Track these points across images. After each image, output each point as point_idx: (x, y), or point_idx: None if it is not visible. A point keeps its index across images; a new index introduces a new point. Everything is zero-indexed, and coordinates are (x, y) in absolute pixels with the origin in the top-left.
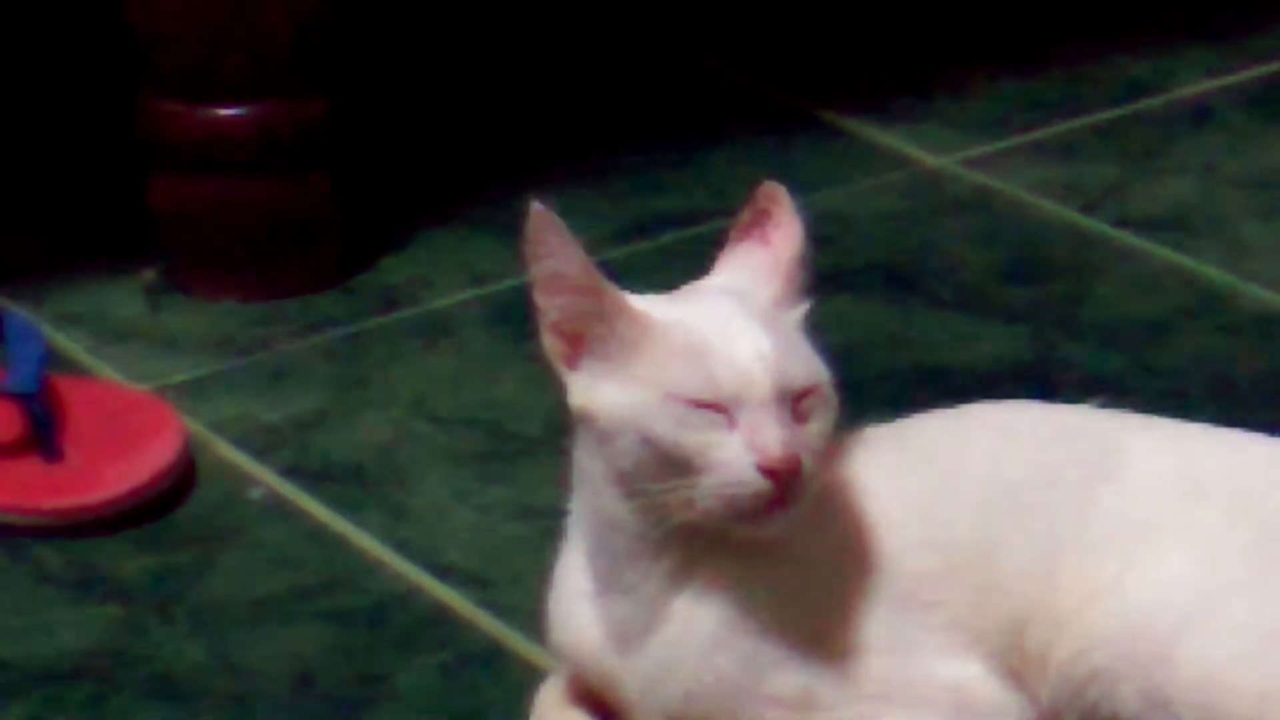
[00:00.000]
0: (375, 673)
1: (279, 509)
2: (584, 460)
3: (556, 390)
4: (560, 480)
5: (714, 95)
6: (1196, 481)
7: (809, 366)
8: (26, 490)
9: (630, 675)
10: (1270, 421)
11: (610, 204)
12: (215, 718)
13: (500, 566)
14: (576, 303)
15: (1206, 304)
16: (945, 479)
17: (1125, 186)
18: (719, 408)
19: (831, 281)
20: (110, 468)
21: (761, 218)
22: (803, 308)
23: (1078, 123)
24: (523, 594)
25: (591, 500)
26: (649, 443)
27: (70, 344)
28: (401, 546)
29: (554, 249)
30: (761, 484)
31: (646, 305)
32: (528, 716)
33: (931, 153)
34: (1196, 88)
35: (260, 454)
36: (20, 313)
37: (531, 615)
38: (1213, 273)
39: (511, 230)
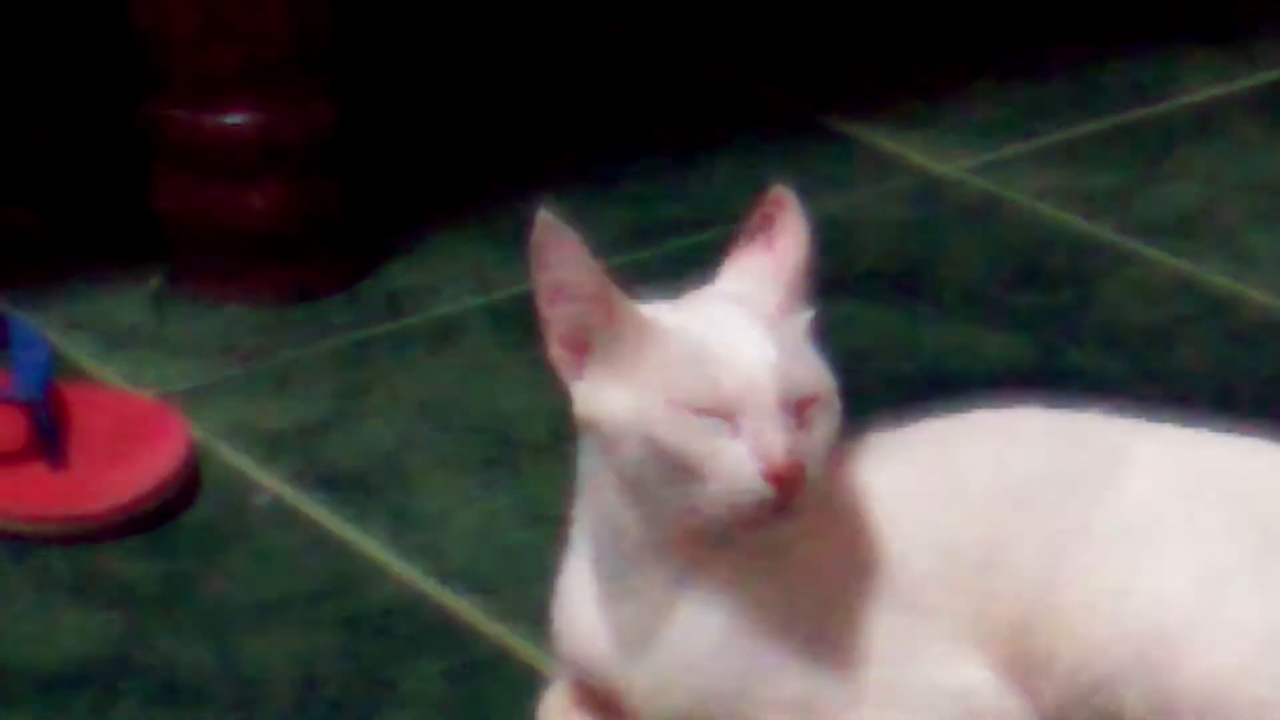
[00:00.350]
0: (380, 678)
1: (284, 515)
2: (589, 467)
3: (562, 397)
4: (566, 486)
5: (719, 101)
6: (1200, 487)
7: (814, 373)
8: (31, 497)
9: (635, 680)
10: (1274, 427)
11: (614, 210)
12: None
13: (506, 572)
14: (586, 311)
15: (1211, 310)
16: (949, 484)
17: (1130, 193)
18: (723, 414)
19: (836, 287)
20: (115, 474)
21: (767, 222)
22: (808, 314)
23: (1082, 129)
24: (528, 600)
25: (596, 506)
26: (653, 449)
27: (75, 350)
28: (407, 552)
29: (563, 258)
30: (765, 490)
31: (652, 312)
32: None
33: (936, 159)
34: (1201, 94)
35: (265, 460)
36: (25, 319)
37: (537, 621)
38: (1217, 279)
39: (517, 237)
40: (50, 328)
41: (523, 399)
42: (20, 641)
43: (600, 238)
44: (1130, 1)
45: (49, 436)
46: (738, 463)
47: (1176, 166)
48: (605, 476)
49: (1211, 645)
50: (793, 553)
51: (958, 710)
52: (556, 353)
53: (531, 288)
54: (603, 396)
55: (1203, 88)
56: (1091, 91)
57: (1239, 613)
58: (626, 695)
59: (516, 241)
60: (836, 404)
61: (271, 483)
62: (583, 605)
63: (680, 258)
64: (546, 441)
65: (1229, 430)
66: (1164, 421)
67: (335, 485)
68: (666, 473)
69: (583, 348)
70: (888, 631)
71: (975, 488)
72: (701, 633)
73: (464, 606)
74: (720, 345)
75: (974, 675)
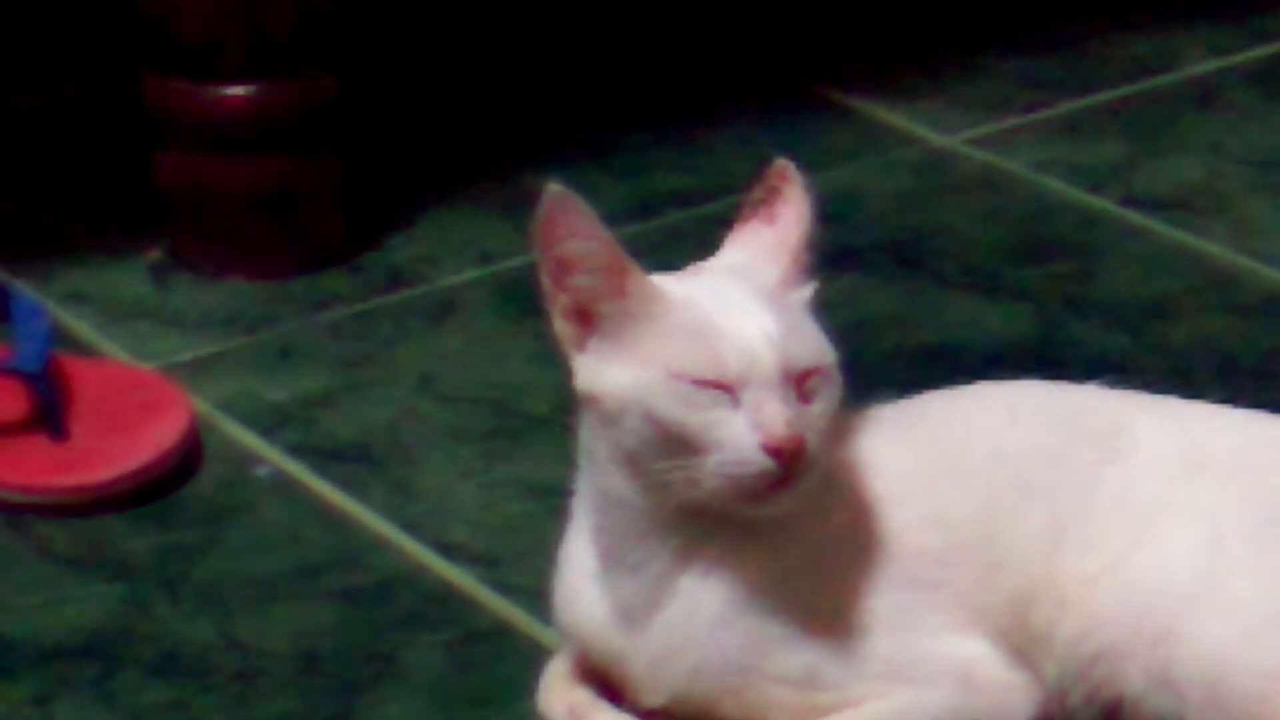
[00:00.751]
0: (381, 651)
1: (285, 487)
2: (590, 440)
3: (562, 369)
4: (566, 459)
5: (720, 74)
6: (1202, 460)
7: (814, 346)
8: (33, 469)
9: (636, 654)
10: (1276, 401)
11: (615, 183)
12: (221, 695)
13: (506, 544)
14: (597, 283)
15: (1212, 283)
16: (950, 458)
17: (1131, 166)
18: (724, 387)
19: (838, 261)
20: (116, 446)
21: (771, 196)
22: (809, 287)
23: (1084, 102)
24: (529, 572)
25: (597, 480)
26: (654, 422)
27: (76, 322)
28: (408, 525)
29: (575, 229)
30: (766, 463)
31: (662, 283)
32: (534, 694)
33: (938, 132)
34: (1203, 67)
35: (267, 432)
36: (26, 291)
37: (538, 593)
38: (1218, 252)
39: (517, 208)
40: (51, 300)
41: (523, 371)
42: (21, 613)
43: (601, 210)
44: None
45: (50, 408)
46: (738, 435)
47: (1178, 139)
48: (606, 450)
49: (1212, 617)
50: (793, 527)
51: (959, 682)
52: (560, 326)
53: (534, 260)
54: (604, 370)
55: (1204, 60)
56: (1093, 64)
57: (1239, 585)
58: (627, 668)
59: (517, 214)
60: (837, 377)
61: (272, 455)
62: (583, 579)
63: (682, 230)
64: (547, 414)
65: (1230, 403)
66: (1165, 394)
67: (336, 457)
68: (667, 447)
69: (587, 321)
70: (889, 605)
71: (976, 461)
72: (702, 607)
73: (465, 579)
74: (722, 318)
75: (975, 648)
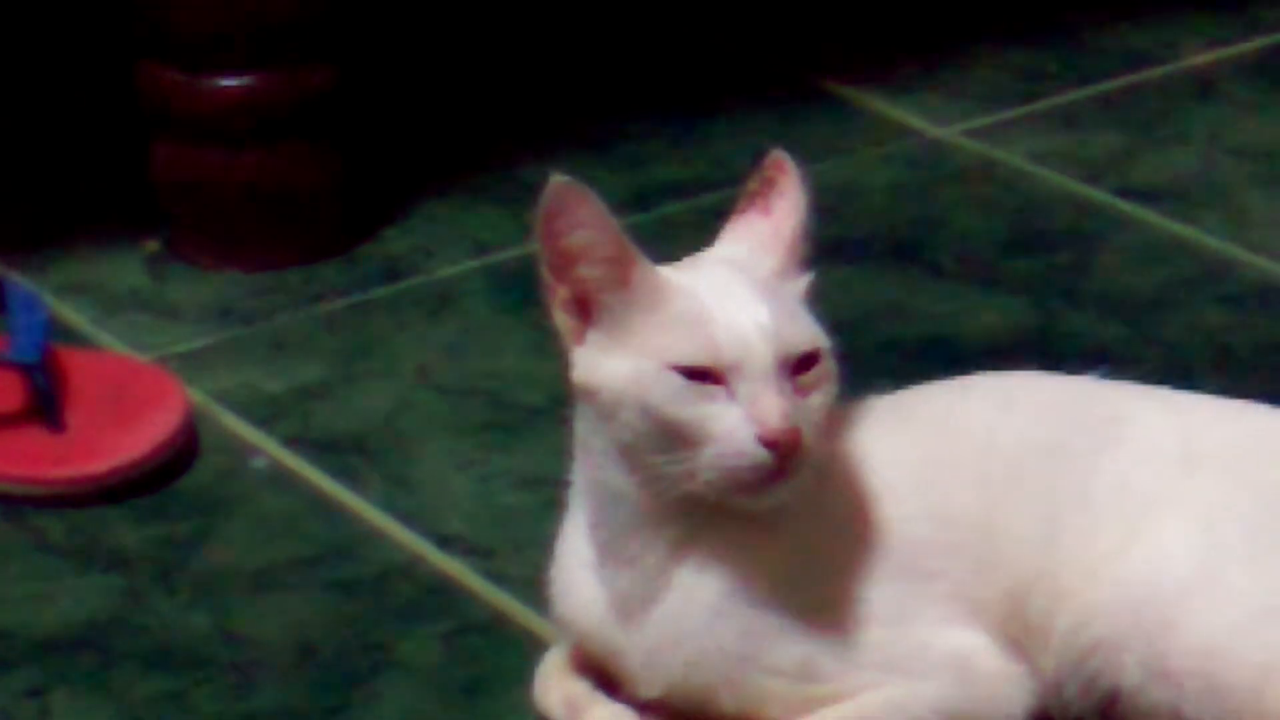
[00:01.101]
0: (377, 642)
1: (281, 479)
2: (586, 433)
3: (559, 360)
4: (562, 450)
5: (717, 65)
6: (1198, 451)
7: (808, 332)
8: (29, 460)
9: (632, 646)
10: (1272, 392)
11: (612, 175)
12: (217, 687)
13: (503, 536)
14: (602, 274)
15: (1209, 274)
16: (947, 449)
17: (1128, 157)
18: (719, 379)
19: (834, 252)
20: (113, 438)
21: (767, 187)
22: (805, 279)
23: (1081, 93)
24: (525, 564)
25: (593, 472)
26: (650, 415)
27: (73, 314)
28: (404, 516)
29: (581, 220)
30: (762, 455)
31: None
32: (530, 686)
33: (935, 123)
34: (1199, 58)
35: (263, 424)
36: (23, 283)
37: (534, 585)
38: (1215, 243)
39: (514, 200)
40: (48, 291)
41: (520, 363)
42: (17, 605)
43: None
44: None
45: (46, 400)
46: (734, 428)
47: (1175, 130)
48: (603, 443)
49: (1208, 609)
50: (790, 518)
51: (955, 674)
52: (560, 318)
53: (531, 252)
54: (602, 363)
55: (1201, 52)
56: (1090, 55)
57: (1235, 577)
58: (623, 660)
59: (514, 205)
60: (833, 369)
61: (269, 446)
62: (579, 570)
63: (679, 221)
64: (543, 405)
65: (1226, 394)
66: (1162, 385)
67: (332, 449)
68: (663, 439)
69: (586, 314)
70: (885, 596)
71: (972, 453)
72: (699, 599)
73: (461, 570)
74: (716, 306)
75: (971, 639)
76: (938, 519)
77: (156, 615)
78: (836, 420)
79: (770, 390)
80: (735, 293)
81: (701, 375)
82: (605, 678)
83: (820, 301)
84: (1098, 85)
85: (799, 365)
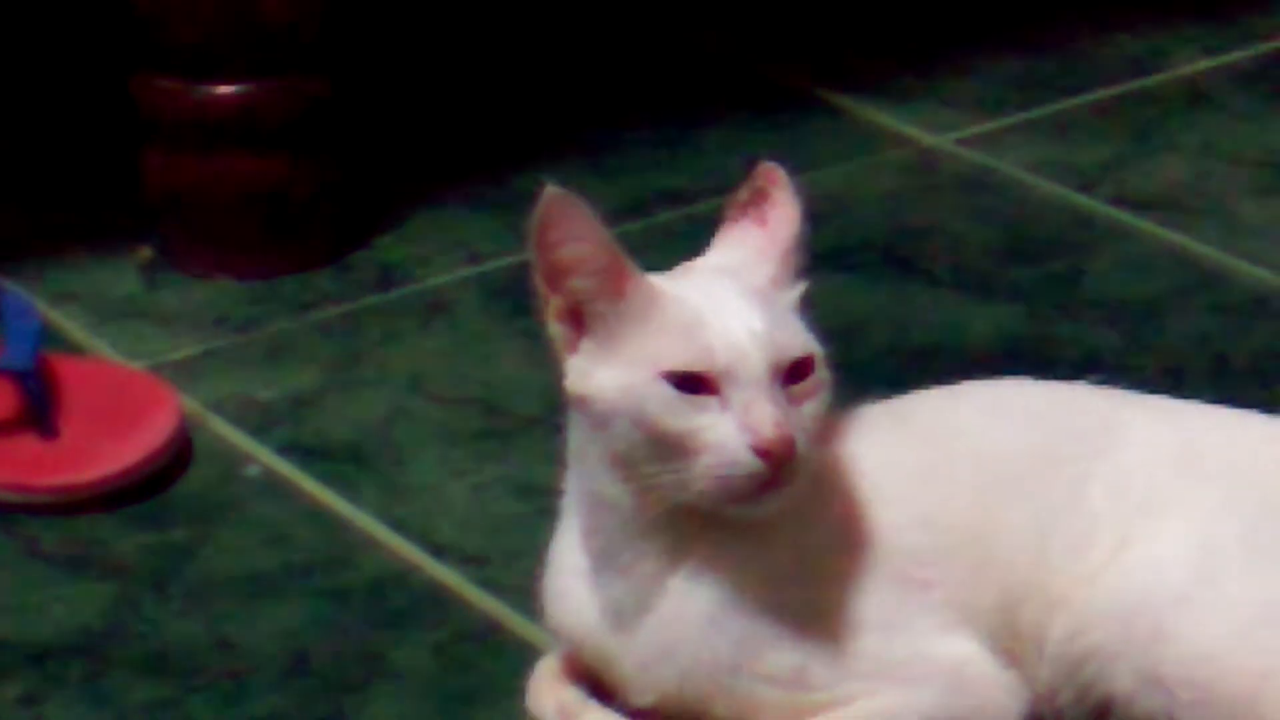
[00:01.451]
0: (371, 650)
1: (275, 487)
2: (579, 442)
3: (552, 369)
4: (556, 458)
5: (710, 73)
6: (1192, 459)
7: (802, 340)
8: (22, 468)
9: (626, 654)
10: (1266, 400)
11: (605, 183)
12: (210, 695)
13: (496, 544)
14: (595, 285)
15: (1203, 283)
16: (940, 457)
17: (1122, 165)
18: (712, 388)
19: (829, 261)
20: (106, 445)
21: (759, 198)
22: (799, 288)
23: (1075, 102)
24: (519, 572)
25: (586, 481)
26: (644, 425)
27: (66, 322)
28: (397, 524)
29: (574, 231)
30: (755, 465)
31: (660, 281)
32: (524, 694)
33: (929, 132)
34: (1193, 67)
35: (256, 431)
36: (16, 290)
37: (527, 593)
38: (1209, 252)
39: (508, 208)
40: (41, 299)
41: (513, 371)
42: (10, 612)
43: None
44: None
45: (40, 407)
46: (728, 437)
47: (1168, 139)
48: (596, 452)
49: (1203, 618)
50: (783, 527)
51: (948, 681)
52: (554, 327)
53: (525, 261)
54: (594, 372)
55: (1195, 61)
56: (1084, 64)
57: (1230, 585)
58: (617, 668)
59: (508, 213)
60: (827, 377)
61: (262, 454)
62: (573, 579)
63: (673, 230)
64: (537, 413)
65: (1221, 402)
66: (1156, 394)
67: (326, 457)
68: (657, 449)
69: (580, 323)
70: (878, 604)
71: (966, 461)
72: (692, 607)
73: (454, 578)
74: (709, 313)
75: (964, 647)
76: (931, 526)
77: (150, 623)
78: (830, 428)
79: (763, 398)
80: (728, 300)
81: (694, 385)
82: (598, 686)
83: (814, 309)
84: (1092, 94)
85: (792, 373)
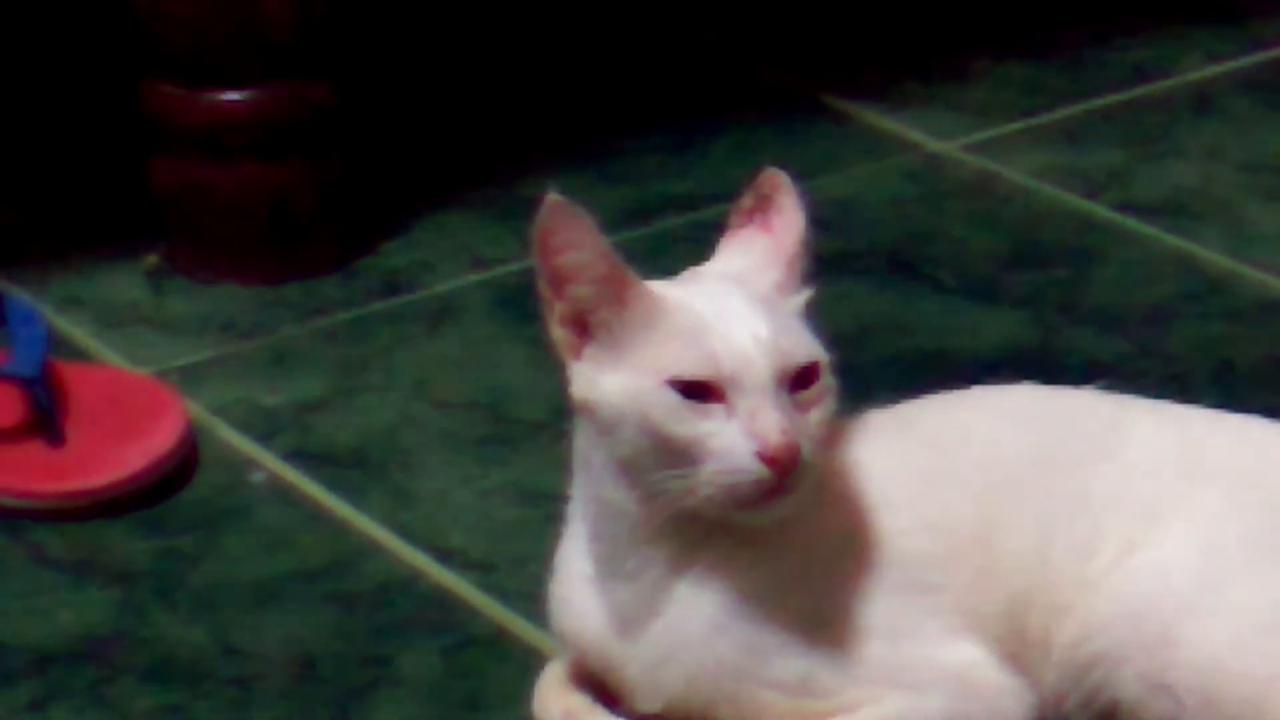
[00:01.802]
0: (377, 656)
1: (281, 493)
2: (585, 448)
3: (558, 375)
4: (562, 464)
5: (716, 79)
6: (1198, 464)
7: (806, 344)
8: (29, 474)
9: (632, 660)
10: (1272, 406)
11: (610, 188)
12: (216, 701)
13: (502, 550)
14: (595, 293)
15: (1208, 289)
16: (946, 462)
17: (1128, 171)
18: (718, 395)
19: (834, 267)
20: (112, 451)
21: (763, 204)
22: (805, 294)
23: (1080, 108)
24: (525, 578)
25: (593, 487)
26: (649, 431)
27: (73, 328)
28: (403, 530)
29: (574, 240)
30: (761, 471)
31: (660, 289)
32: (530, 700)
33: (934, 138)
34: (1199, 73)
35: (262, 438)
36: (23, 296)
37: (533, 599)
38: (1215, 257)
39: (513, 214)
40: (48, 305)
41: (519, 376)
42: (17, 619)
43: (597, 216)
44: None
45: (46, 414)
46: (733, 444)
47: (1174, 145)
48: (602, 458)
49: (1208, 623)
50: (789, 532)
51: (954, 687)
52: (558, 334)
53: (531, 266)
54: (600, 379)
55: (1201, 66)
56: (1090, 70)
57: (1236, 590)
58: (623, 674)
59: (513, 219)
60: (832, 384)
61: (268, 460)
62: (579, 584)
63: (678, 236)
64: (543, 419)
65: (1227, 408)
66: (1162, 399)
67: (332, 463)
68: (663, 455)
69: (584, 329)
70: (884, 609)
71: (971, 465)
72: (698, 613)
73: (461, 584)
74: (715, 319)
75: (970, 652)
76: (937, 532)
77: (156, 629)
78: (835, 433)
79: (769, 405)
80: (733, 306)
81: (700, 391)
82: (605, 691)
83: (820, 316)
84: (1097, 100)
85: (798, 380)
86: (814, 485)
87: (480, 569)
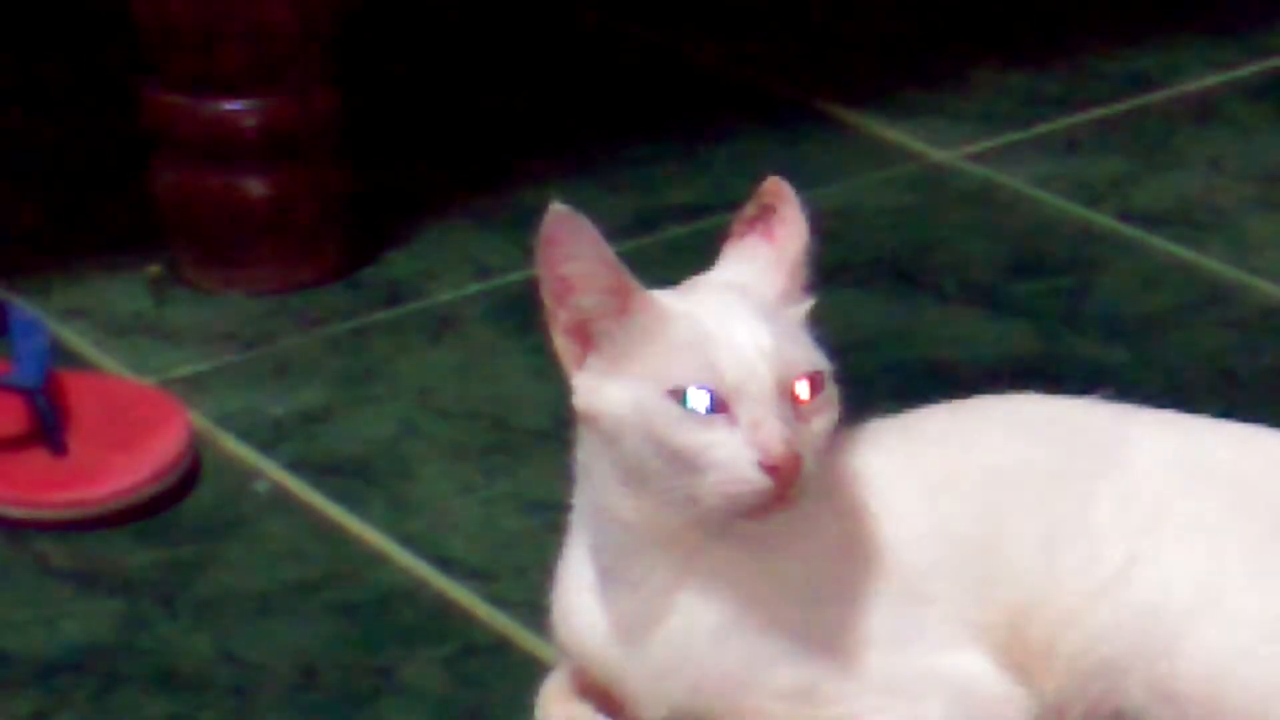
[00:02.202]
0: (379, 666)
1: (284, 502)
2: (587, 457)
3: (561, 384)
4: (565, 473)
5: (718, 89)
6: (1201, 474)
7: (809, 354)
8: (32, 484)
9: (634, 669)
10: (1274, 415)
11: (613, 198)
12: (219, 711)
13: (505, 560)
14: (599, 303)
15: (1211, 298)
16: (949, 471)
17: (1130, 180)
18: (720, 403)
19: (836, 276)
20: (115, 461)
21: (766, 213)
22: (807, 303)
23: (1083, 117)
24: (527, 587)
25: (595, 496)
26: (652, 442)
27: (75, 338)
28: (406, 540)
29: (578, 250)
30: (763, 482)
31: (665, 299)
32: (532, 710)
33: (936, 147)
34: (1202, 82)
35: (265, 447)
36: (25, 307)
37: (536, 608)
38: (1217, 267)
39: (516, 224)
40: (50, 315)
41: (522, 386)
42: (20, 628)
43: (601, 225)
44: None
45: (49, 423)
46: (735, 454)
47: (1177, 154)
48: (604, 468)
49: (1213, 632)
50: (791, 542)
51: (957, 697)
52: (561, 344)
53: (533, 276)
54: (603, 389)
55: (1203, 75)
56: (1092, 79)
57: (1240, 600)
58: (626, 683)
59: (516, 229)
60: (834, 393)
61: (271, 470)
62: (581, 594)
63: (682, 245)
64: (546, 428)
65: (1229, 417)
66: (1164, 409)
67: (335, 472)
68: (665, 465)
69: (587, 339)
70: (887, 619)
71: (974, 475)
72: (701, 622)
73: (463, 594)
74: (717, 330)
75: (973, 663)
76: (940, 541)
77: (159, 639)
78: (838, 443)
79: (772, 416)
80: (736, 316)
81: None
82: (607, 701)
83: (822, 325)
84: (1099, 109)
85: (800, 389)
86: (816, 495)
87: (482, 578)
